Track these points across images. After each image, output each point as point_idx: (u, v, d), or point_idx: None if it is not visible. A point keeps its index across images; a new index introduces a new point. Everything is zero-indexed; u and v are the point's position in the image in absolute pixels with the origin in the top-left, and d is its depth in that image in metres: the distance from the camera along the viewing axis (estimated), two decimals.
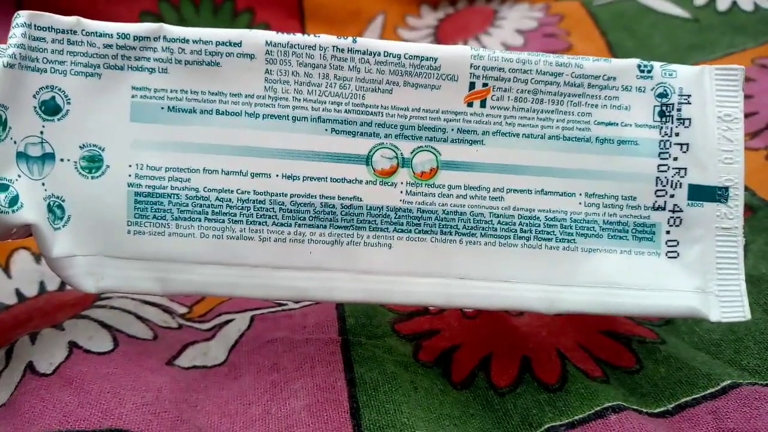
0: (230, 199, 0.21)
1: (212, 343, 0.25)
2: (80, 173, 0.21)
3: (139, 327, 0.25)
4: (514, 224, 0.22)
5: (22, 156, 0.20)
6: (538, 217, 0.22)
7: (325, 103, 0.21)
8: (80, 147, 0.21)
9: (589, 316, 0.26)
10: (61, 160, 0.21)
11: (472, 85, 0.22)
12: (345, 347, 0.24)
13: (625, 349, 0.25)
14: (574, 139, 0.22)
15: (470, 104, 0.22)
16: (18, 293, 0.29)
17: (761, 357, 0.23)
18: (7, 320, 0.26)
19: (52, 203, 0.21)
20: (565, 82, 0.22)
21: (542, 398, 0.22)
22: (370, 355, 0.23)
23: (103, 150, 0.21)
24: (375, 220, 0.22)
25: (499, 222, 0.22)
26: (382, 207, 0.22)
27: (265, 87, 0.21)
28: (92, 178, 0.21)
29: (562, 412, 0.22)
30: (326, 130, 0.21)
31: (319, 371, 0.22)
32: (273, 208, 0.21)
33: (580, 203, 0.22)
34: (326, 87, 0.21)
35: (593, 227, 0.23)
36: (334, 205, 0.22)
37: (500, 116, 0.22)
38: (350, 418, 0.21)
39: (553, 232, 0.22)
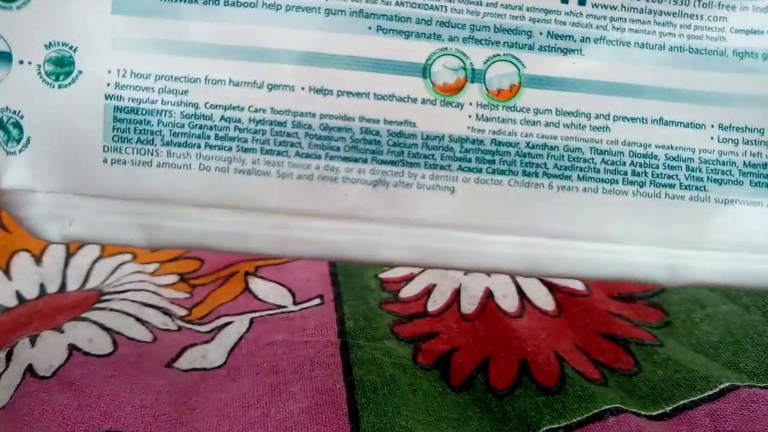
0: (240, 120, 0.16)
1: (211, 346, 0.24)
2: (44, 80, 0.16)
3: (139, 329, 0.25)
4: (624, 164, 0.16)
5: None
6: (656, 156, 0.17)
7: None
8: (45, 46, 0.16)
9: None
10: (21, 62, 0.16)
11: None
12: (344, 349, 0.24)
13: (623, 352, 0.24)
14: (703, 51, 0.17)
15: (565, 0, 0.16)
16: (18, 295, 0.29)
17: (759, 359, 0.23)
18: (7, 323, 0.26)
19: (5, 119, 0.16)
20: None
21: (540, 401, 0.22)
22: (369, 357, 0.23)
23: (74, 50, 0.16)
24: (433, 154, 0.16)
25: (603, 160, 0.16)
26: (443, 136, 0.16)
27: None
28: (60, 87, 0.16)
29: (560, 414, 0.21)
30: (370, 28, 0.16)
31: (318, 374, 0.22)
32: (296, 133, 0.16)
33: (712, 138, 0.17)
34: None
35: (730, 170, 0.17)
36: (378, 132, 0.16)
37: (605, 17, 0.16)
38: (349, 420, 0.20)
39: (676, 175, 0.17)
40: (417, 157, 0.16)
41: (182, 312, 0.27)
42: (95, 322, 0.24)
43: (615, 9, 0.16)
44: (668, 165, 0.17)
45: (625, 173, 0.17)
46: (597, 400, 0.21)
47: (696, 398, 0.21)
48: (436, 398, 0.22)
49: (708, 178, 0.17)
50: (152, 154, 0.16)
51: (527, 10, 0.16)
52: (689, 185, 0.17)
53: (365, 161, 0.16)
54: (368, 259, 0.16)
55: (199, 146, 0.16)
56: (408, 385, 0.22)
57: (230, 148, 0.16)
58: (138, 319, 0.25)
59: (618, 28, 0.16)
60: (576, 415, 0.21)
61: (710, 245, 0.17)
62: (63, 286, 0.29)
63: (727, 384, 0.22)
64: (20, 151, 0.16)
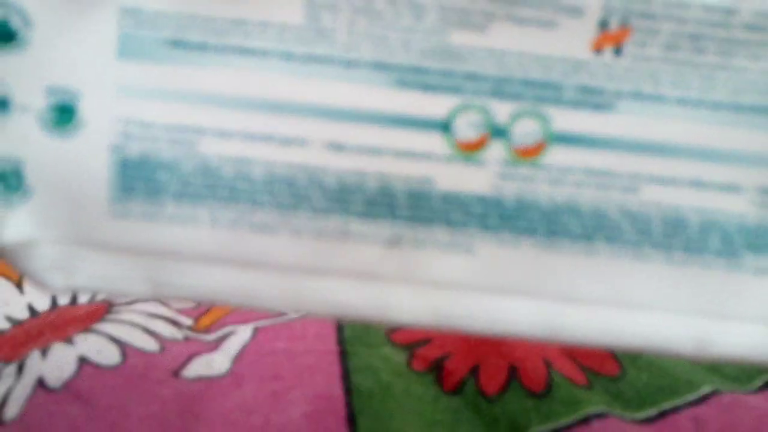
0: (252, 174, 0.15)
1: (216, 355, 0.25)
2: (46, 129, 0.15)
3: (147, 340, 0.26)
4: (653, 227, 0.16)
5: None
6: (688, 219, 0.16)
7: (389, 41, 0.15)
8: (47, 91, 0.15)
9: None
10: (20, 108, 0.15)
11: (603, 24, 0.15)
12: (343, 357, 0.25)
13: (608, 356, 0.25)
14: (748, 108, 0.15)
15: (599, 51, 0.15)
16: (30, 308, 0.30)
17: (741, 364, 0.22)
18: (19, 335, 0.28)
19: (5, 168, 0.15)
20: (743, 23, 0.15)
21: (528, 405, 0.23)
22: (366, 364, 0.24)
23: (77, 97, 0.15)
24: (452, 213, 0.15)
25: (631, 223, 0.16)
26: (463, 194, 0.15)
27: (306, 15, 0.15)
28: (62, 136, 0.15)
29: (547, 418, 0.22)
30: (389, 81, 0.15)
31: (318, 380, 0.23)
32: (310, 189, 0.15)
33: (751, 202, 0.16)
34: (393, 18, 0.15)
35: None
36: (395, 189, 0.15)
37: (642, 70, 0.15)
38: (346, 424, 0.21)
39: (709, 241, 0.16)
40: (435, 215, 0.16)
41: (189, 322, 0.28)
42: (105, 334, 0.26)
43: (654, 61, 0.15)
44: (701, 230, 0.16)
45: (654, 237, 0.16)
46: (583, 404, 0.22)
47: (679, 403, 0.22)
48: (430, 403, 0.23)
49: (743, 245, 0.16)
50: (160, 207, 0.15)
51: (557, 61, 0.15)
52: (723, 252, 0.16)
53: (380, 219, 0.15)
54: (380, 318, 0.16)
55: (208, 200, 0.15)
56: (403, 391, 0.23)
57: (241, 203, 0.15)
58: (146, 330, 0.26)
59: (656, 82, 0.15)
60: (563, 418, 0.22)
61: (743, 316, 0.16)
62: (74, 298, 0.30)
63: (709, 389, 0.23)
64: (22, 203, 0.15)
